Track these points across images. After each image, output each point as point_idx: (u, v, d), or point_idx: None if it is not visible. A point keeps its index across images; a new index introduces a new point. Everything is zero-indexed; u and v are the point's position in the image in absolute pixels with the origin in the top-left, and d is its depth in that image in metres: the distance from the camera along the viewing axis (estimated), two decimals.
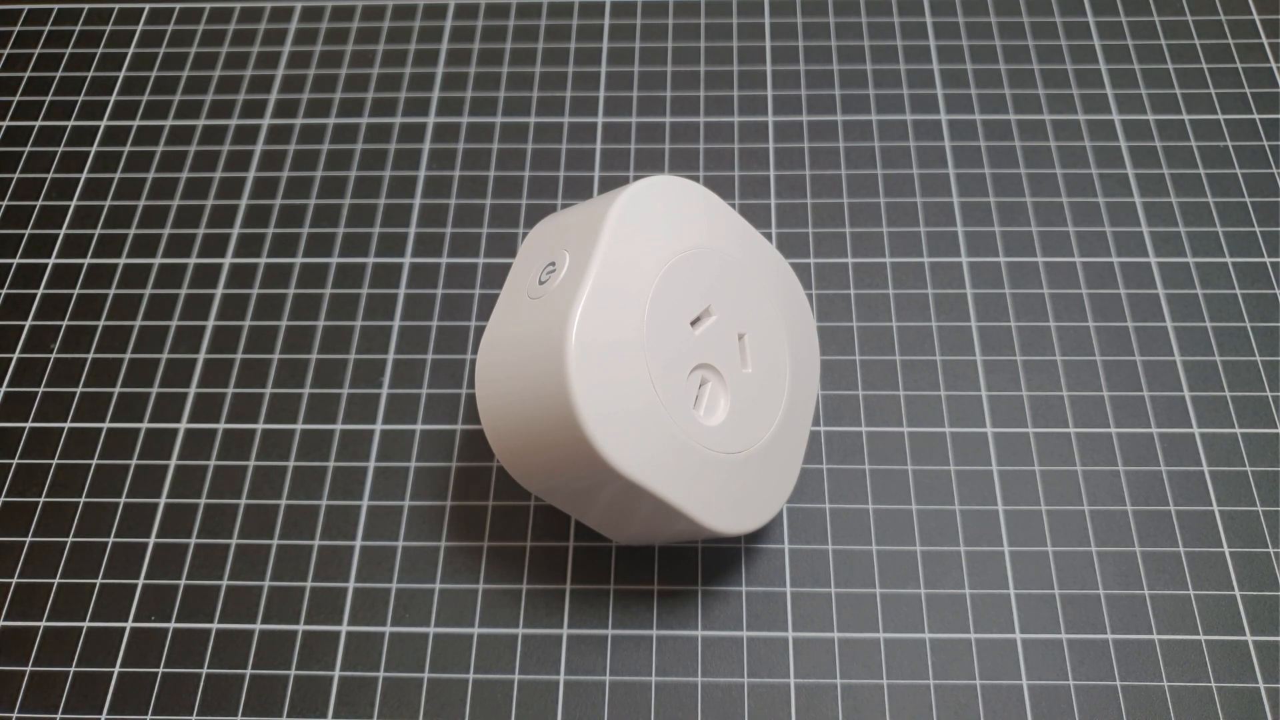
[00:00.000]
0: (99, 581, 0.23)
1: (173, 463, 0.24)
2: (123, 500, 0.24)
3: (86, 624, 0.23)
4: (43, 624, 0.23)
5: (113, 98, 0.31)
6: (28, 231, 0.28)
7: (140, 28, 0.32)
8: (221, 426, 0.25)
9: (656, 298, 0.19)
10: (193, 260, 0.27)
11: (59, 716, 0.22)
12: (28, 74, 0.31)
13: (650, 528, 0.21)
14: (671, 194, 0.21)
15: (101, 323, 0.27)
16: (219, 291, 0.27)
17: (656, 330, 0.19)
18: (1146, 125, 0.29)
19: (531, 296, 0.20)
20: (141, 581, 0.23)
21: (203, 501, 0.24)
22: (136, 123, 0.30)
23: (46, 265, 0.28)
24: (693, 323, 0.20)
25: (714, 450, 0.20)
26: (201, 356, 0.26)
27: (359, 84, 0.30)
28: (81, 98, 0.31)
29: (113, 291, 0.27)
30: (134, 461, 0.24)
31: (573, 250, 0.20)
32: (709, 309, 0.20)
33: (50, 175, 0.29)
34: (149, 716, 0.21)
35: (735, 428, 0.20)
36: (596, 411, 0.18)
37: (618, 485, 0.19)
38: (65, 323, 0.27)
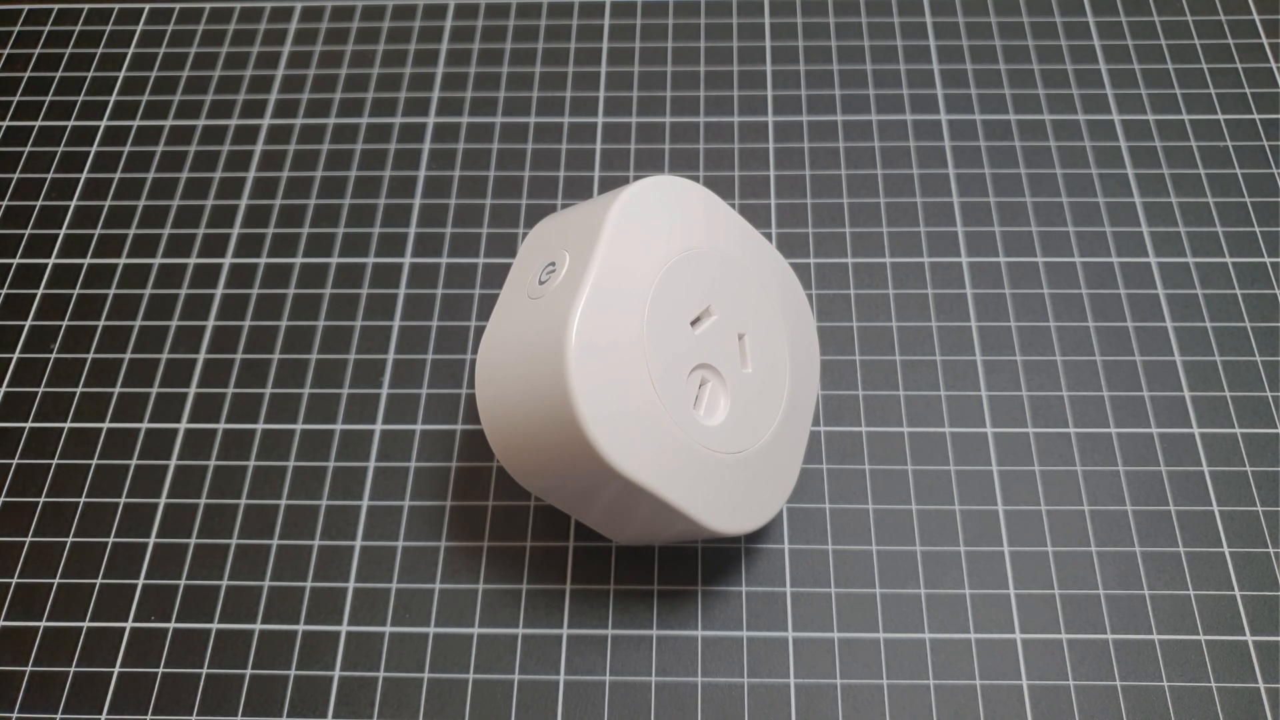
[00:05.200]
0: (99, 581, 0.23)
1: (173, 463, 0.24)
2: (123, 500, 0.24)
3: (86, 624, 0.23)
4: (43, 624, 0.23)
5: (113, 98, 0.31)
6: (28, 231, 0.28)
7: (140, 28, 0.32)
8: (221, 426, 0.25)
9: (656, 298, 0.19)
10: (193, 260, 0.27)
11: (59, 716, 0.22)
12: (28, 74, 0.31)
13: (650, 528, 0.21)
14: (671, 194, 0.21)
15: (101, 323, 0.27)
16: (219, 291, 0.27)
17: (656, 330, 0.19)
18: (1146, 125, 0.29)
19: (531, 297, 0.20)
20: (141, 581, 0.23)
21: (203, 501, 0.24)
22: (136, 123, 0.30)
23: (46, 265, 0.28)
24: (693, 323, 0.20)
25: (714, 450, 0.20)
26: (201, 356, 0.26)
27: (359, 84, 0.30)
28: (81, 98, 0.31)
29: (113, 291, 0.27)
30: (134, 461, 0.24)
31: (573, 250, 0.20)
32: (709, 309, 0.20)
33: (50, 175, 0.29)
34: (149, 716, 0.21)
35: (735, 428, 0.20)
36: (596, 412, 0.18)
37: (618, 485, 0.19)
38: (65, 323, 0.27)
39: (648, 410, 0.19)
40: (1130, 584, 0.22)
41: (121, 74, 0.31)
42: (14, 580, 0.23)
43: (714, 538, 0.22)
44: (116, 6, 0.33)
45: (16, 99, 0.31)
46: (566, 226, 0.21)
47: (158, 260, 0.27)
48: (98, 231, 0.28)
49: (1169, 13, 0.31)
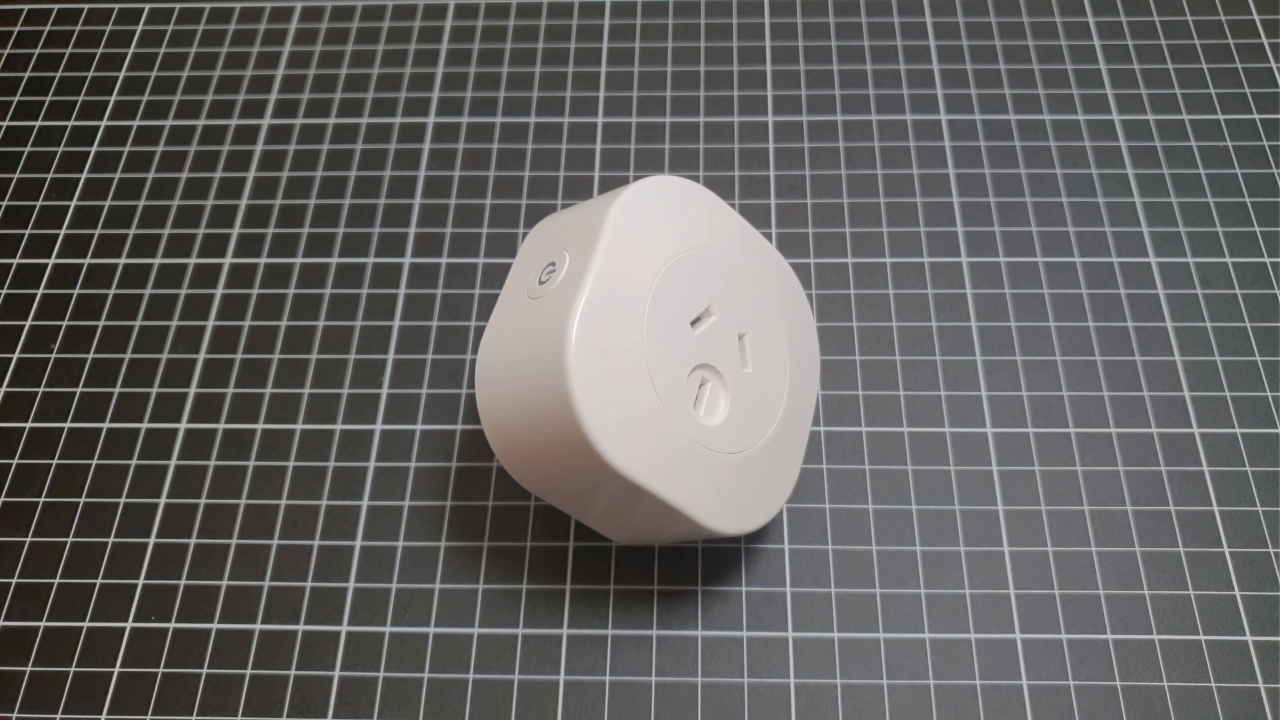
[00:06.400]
0: (99, 581, 0.23)
1: (173, 463, 0.24)
2: (123, 500, 0.24)
3: (86, 624, 0.23)
4: (43, 624, 0.23)
5: (113, 98, 0.31)
6: (28, 231, 0.28)
7: (140, 28, 0.32)
8: (221, 426, 0.25)
9: (656, 298, 0.19)
10: (193, 260, 0.27)
11: (59, 716, 0.22)
12: (28, 74, 0.31)
13: (650, 528, 0.21)
14: (672, 194, 0.21)
15: (101, 323, 0.27)
16: (219, 291, 0.27)
17: (657, 330, 0.19)
18: (1146, 125, 0.29)
19: (531, 296, 0.20)
20: (141, 581, 0.23)
21: (203, 501, 0.24)
22: (136, 123, 0.30)
23: (46, 265, 0.28)
24: (693, 323, 0.20)
25: (714, 450, 0.20)
26: (201, 356, 0.26)
27: (359, 84, 0.30)
28: (81, 98, 0.31)
29: (113, 291, 0.27)
30: (134, 461, 0.24)
31: (573, 250, 0.20)
32: (709, 309, 0.20)
33: (50, 175, 0.29)
34: (149, 716, 0.21)
35: (735, 428, 0.20)
36: (596, 412, 0.18)
37: (618, 486, 0.19)
38: (65, 323, 0.27)
39: (648, 410, 0.19)
40: (1130, 584, 0.22)
41: (121, 74, 0.31)
42: (14, 580, 0.23)
43: (714, 538, 0.22)
44: (116, 6, 0.33)
45: (16, 99, 0.31)
46: (566, 226, 0.21)
47: (158, 260, 0.27)
48: (98, 231, 0.28)
49: (1169, 13, 0.31)
